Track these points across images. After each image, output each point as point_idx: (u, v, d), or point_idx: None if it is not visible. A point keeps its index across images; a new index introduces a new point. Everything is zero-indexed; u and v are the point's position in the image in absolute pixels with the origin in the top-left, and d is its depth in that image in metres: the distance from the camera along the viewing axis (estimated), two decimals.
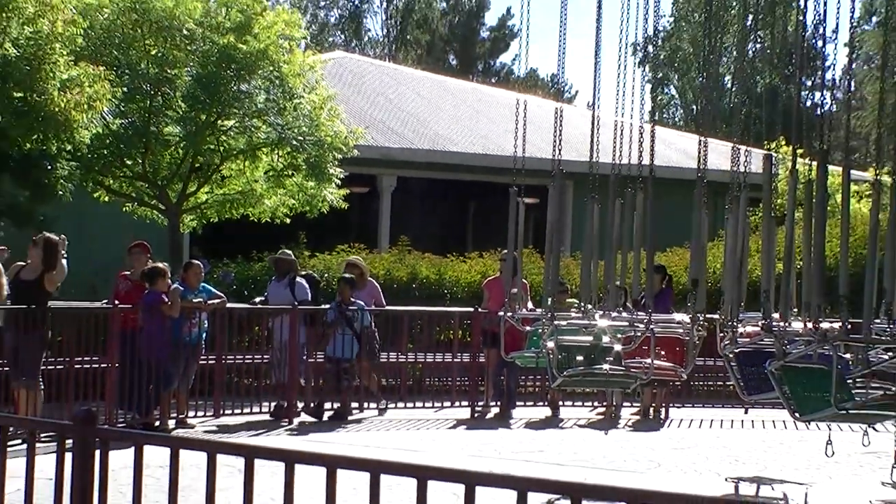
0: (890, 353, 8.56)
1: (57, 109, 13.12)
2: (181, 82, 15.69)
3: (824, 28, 8.65)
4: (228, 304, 13.83)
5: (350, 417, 13.91)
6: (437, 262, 18.26)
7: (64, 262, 11.92)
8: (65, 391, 12.24)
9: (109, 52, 15.45)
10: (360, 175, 20.86)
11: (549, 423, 14.32)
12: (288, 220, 17.07)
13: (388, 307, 15.08)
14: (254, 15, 15.88)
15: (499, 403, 14.78)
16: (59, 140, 13.70)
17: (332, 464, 4.42)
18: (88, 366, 12.58)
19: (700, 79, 42.02)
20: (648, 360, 9.89)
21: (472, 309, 14.96)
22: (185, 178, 16.31)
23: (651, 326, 9.78)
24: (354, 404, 14.28)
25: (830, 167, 11.07)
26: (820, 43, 8.97)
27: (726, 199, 9.66)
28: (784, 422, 13.65)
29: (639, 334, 9.97)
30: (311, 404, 13.93)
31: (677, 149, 25.20)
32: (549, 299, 10.08)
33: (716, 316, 9.49)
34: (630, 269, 10.32)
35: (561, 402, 15.08)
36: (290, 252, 15.32)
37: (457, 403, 14.97)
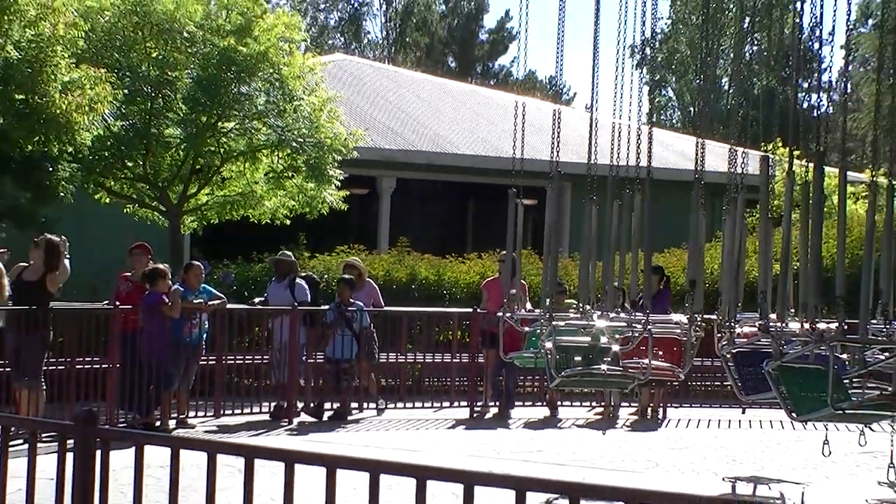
0: (886, 354, 8.59)
1: (58, 111, 13.16)
2: (182, 84, 15.71)
3: (821, 30, 8.68)
4: (228, 305, 13.88)
5: (349, 418, 13.95)
6: (437, 263, 18.27)
7: (67, 263, 11.96)
8: (66, 391, 12.27)
9: (110, 54, 15.47)
10: (360, 176, 20.86)
11: (548, 423, 14.36)
12: (288, 222, 17.07)
13: (387, 308, 15.12)
14: (254, 18, 15.90)
15: (497, 403, 14.81)
16: (60, 142, 13.74)
17: (332, 464, 4.44)
18: (89, 366, 12.62)
19: (697, 81, 41.99)
20: (646, 361, 9.89)
21: (470, 309, 14.99)
22: (185, 180, 16.33)
23: (649, 327, 9.80)
24: (354, 404, 14.32)
25: (827, 169, 11.13)
26: (816, 45, 9.02)
27: (724, 200, 9.72)
28: (781, 422, 13.69)
29: (637, 335, 9.98)
30: (311, 404, 13.97)
31: (675, 150, 25.19)
32: (548, 300, 10.10)
33: (713, 316, 9.49)
34: (628, 269, 10.37)
35: (559, 403, 15.11)
36: (289, 253, 15.35)
37: (456, 403, 15.00)
